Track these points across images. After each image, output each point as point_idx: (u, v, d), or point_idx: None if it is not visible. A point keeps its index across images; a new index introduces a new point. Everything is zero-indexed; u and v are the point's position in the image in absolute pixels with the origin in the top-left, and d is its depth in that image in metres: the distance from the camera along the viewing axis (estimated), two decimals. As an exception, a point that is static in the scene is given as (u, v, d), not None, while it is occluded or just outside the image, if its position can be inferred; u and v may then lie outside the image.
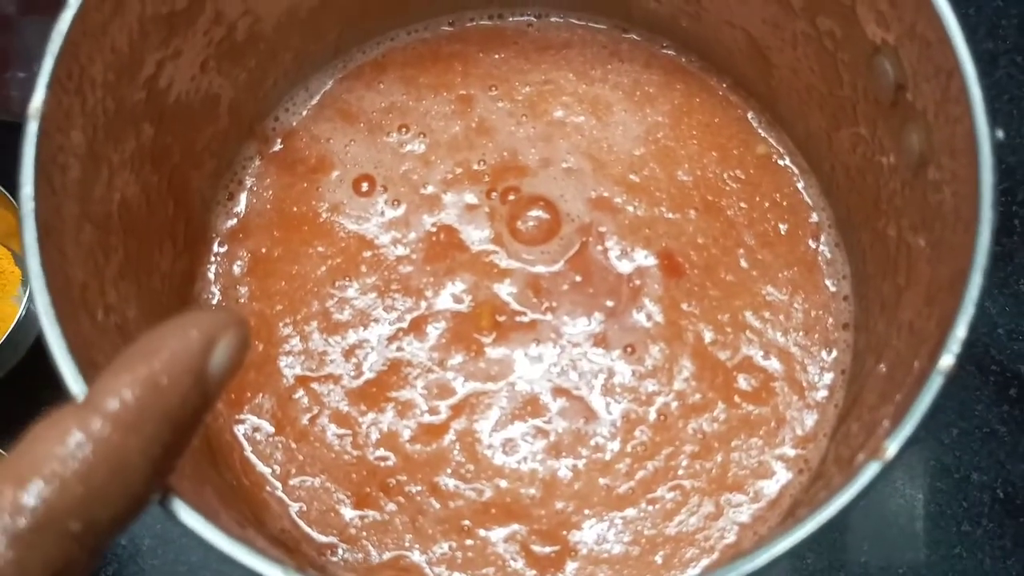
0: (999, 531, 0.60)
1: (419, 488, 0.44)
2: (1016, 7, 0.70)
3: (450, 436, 0.45)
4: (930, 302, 0.36)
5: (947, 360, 0.32)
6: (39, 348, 0.61)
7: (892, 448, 0.31)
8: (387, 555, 0.43)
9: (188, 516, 0.31)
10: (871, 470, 0.31)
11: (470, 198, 0.49)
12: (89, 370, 0.33)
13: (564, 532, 0.44)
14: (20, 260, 0.65)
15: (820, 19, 0.42)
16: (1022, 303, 0.64)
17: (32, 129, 0.35)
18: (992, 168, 0.33)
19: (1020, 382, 0.62)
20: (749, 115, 0.50)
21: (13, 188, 0.59)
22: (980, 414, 0.62)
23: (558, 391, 0.45)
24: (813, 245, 0.48)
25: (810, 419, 0.45)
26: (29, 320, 0.61)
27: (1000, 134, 0.37)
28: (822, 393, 0.45)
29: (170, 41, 0.42)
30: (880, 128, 0.41)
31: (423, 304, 0.47)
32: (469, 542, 0.43)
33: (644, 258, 0.48)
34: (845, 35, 0.41)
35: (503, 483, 0.44)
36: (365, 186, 0.49)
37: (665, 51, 0.51)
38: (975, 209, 0.33)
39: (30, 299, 0.60)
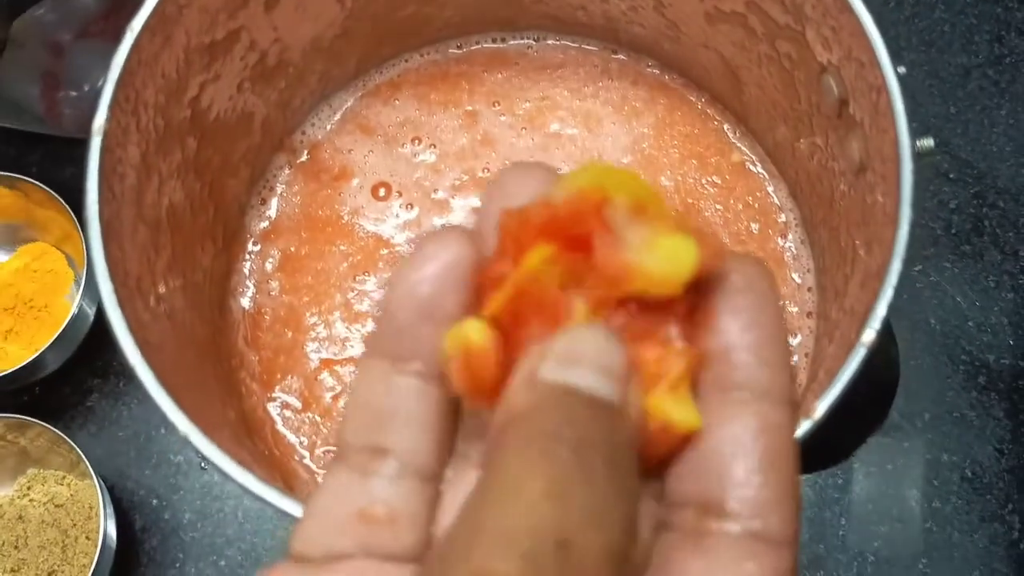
0: (967, 508, 0.64)
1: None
2: (988, 24, 0.75)
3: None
4: (863, 287, 0.41)
5: (869, 335, 0.37)
6: (89, 343, 0.67)
7: (820, 408, 0.36)
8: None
9: (229, 467, 0.37)
10: (801, 427, 0.36)
11: (476, 202, 0.55)
12: (145, 348, 0.39)
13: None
14: (72, 263, 0.71)
15: (779, 42, 0.48)
16: (990, 298, 0.68)
17: (96, 144, 0.41)
18: (911, 172, 0.39)
19: (988, 371, 0.67)
20: (725, 127, 0.56)
21: (68, 196, 0.65)
22: (951, 400, 0.66)
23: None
24: (781, 243, 0.53)
25: (775, 396, 0.50)
26: (81, 317, 0.67)
27: (930, 141, 0.42)
28: (787, 374, 0.51)
29: (211, 67, 0.48)
30: (831, 138, 0.47)
31: (433, 296, 0.53)
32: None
33: (630, 255, 0.53)
34: (799, 56, 0.47)
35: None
36: (382, 192, 0.55)
37: (650, 70, 0.57)
38: (897, 207, 0.38)
39: (82, 298, 0.66)
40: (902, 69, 0.42)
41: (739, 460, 0.19)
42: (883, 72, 0.40)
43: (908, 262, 0.68)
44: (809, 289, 0.52)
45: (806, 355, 0.51)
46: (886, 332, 0.67)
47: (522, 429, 0.18)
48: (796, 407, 0.20)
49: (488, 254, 0.21)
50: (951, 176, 0.71)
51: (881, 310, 0.37)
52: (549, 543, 0.16)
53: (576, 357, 0.19)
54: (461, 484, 0.21)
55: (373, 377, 0.21)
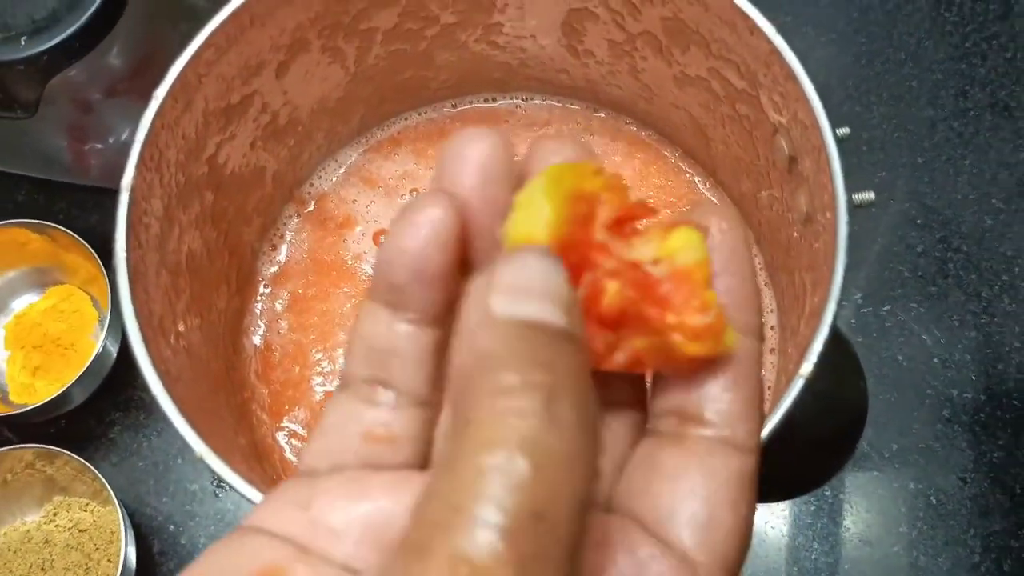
0: (932, 532, 0.68)
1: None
2: (953, 79, 0.80)
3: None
4: (808, 324, 0.46)
5: (806, 368, 0.41)
6: (112, 379, 0.72)
7: (763, 433, 0.41)
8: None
9: (240, 484, 0.41)
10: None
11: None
12: (165, 380, 0.43)
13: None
14: (97, 304, 0.75)
15: (738, 105, 0.52)
16: (955, 336, 0.73)
17: (124, 199, 0.46)
18: (846, 223, 0.43)
19: (952, 405, 0.71)
20: (696, 179, 0.60)
21: (94, 241, 0.70)
22: (917, 432, 0.70)
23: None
24: (747, 285, 0.58)
25: (740, 426, 0.55)
26: (105, 355, 0.70)
27: (870, 195, 0.47)
28: (751, 405, 0.55)
29: (227, 127, 0.53)
30: (785, 190, 0.51)
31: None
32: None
33: (609, 296, 0.58)
34: (756, 118, 0.51)
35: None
36: (383, 239, 0.60)
37: (628, 127, 0.62)
38: (834, 253, 0.43)
39: (106, 337, 0.70)
40: (844, 131, 0.47)
41: (716, 379, 0.22)
42: (823, 134, 0.45)
43: (877, 302, 0.73)
44: (772, 328, 0.57)
45: (768, 388, 0.55)
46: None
47: (488, 379, 0.19)
48: (762, 338, 0.23)
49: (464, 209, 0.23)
50: (918, 222, 0.76)
51: (818, 345, 0.42)
52: (526, 518, 0.17)
53: (523, 287, 0.20)
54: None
55: (373, 319, 0.23)
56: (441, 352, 0.23)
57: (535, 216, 0.22)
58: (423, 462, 0.24)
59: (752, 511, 0.23)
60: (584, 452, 0.18)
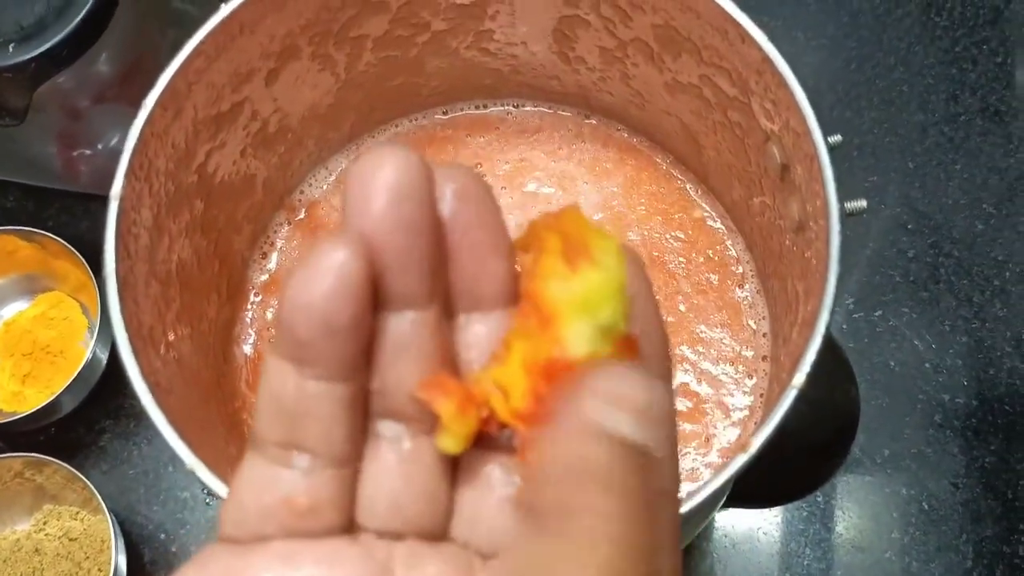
0: (924, 538, 0.69)
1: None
2: (944, 84, 0.80)
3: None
4: (800, 334, 0.46)
5: (799, 378, 0.41)
6: (102, 386, 0.72)
7: (755, 443, 0.41)
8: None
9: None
10: (739, 461, 0.40)
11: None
12: (156, 391, 0.43)
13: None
14: (86, 311, 0.75)
15: (730, 112, 0.52)
16: (946, 341, 0.73)
17: (113, 208, 0.45)
18: (838, 232, 0.43)
19: (944, 410, 0.71)
20: (687, 186, 0.60)
21: (83, 248, 0.70)
22: (909, 437, 0.71)
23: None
24: (739, 292, 0.58)
25: (732, 434, 0.55)
26: (95, 362, 0.71)
27: (862, 203, 0.47)
28: (743, 413, 0.55)
29: (216, 135, 0.53)
30: (777, 198, 0.51)
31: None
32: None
33: (600, 304, 0.58)
34: (747, 125, 0.51)
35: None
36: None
37: (619, 133, 0.62)
38: (826, 262, 0.43)
39: (96, 344, 0.70)
40: (836, 139, 0.47)
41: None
42: (815, 142, 0.45)
43: (869, 307, 0.73)
44: (764, 335, 0.57)
45: (761, 395, 0.55)
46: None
47: (587, 493, 0.19)
48: (670, 379, 0.25)
49: (369, 250, 0.21)
50: (909, 227, 0.76)
51: (810, 356, 0.41)
52: None
53: (622, 402, 0.20)
54: (377, 460, 0.23)
55: (280, 377, 0.22)
56: (356, 405, 0.22)
57: (616, 291, 0.22)
58: (348, 525, 0.23)
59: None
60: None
